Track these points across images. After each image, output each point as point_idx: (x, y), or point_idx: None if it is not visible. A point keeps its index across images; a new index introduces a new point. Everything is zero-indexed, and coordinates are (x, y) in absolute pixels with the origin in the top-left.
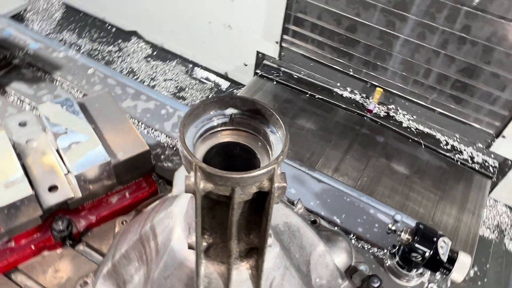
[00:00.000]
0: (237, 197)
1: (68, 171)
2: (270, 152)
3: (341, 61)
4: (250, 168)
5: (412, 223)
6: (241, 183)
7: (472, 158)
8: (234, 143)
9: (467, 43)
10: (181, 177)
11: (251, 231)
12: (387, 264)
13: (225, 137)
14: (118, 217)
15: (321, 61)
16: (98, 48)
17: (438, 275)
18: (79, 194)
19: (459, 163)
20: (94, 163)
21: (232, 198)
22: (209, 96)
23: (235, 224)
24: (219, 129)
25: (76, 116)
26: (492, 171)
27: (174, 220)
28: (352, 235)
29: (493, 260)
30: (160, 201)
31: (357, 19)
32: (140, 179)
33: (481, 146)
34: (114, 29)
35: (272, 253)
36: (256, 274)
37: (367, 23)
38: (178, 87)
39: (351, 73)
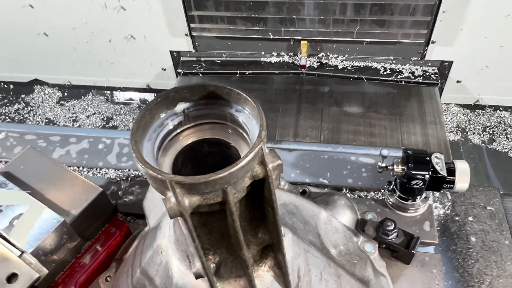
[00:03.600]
0: (232, 198)
1: (22, 251)
2: (245, 134)
3: (257, 28)
4: (229, 161)
5: (398, 153)
6: (232, 180)
7: (412, 73)
8: (199, 142)
9: None
10: (152, 206)
11: (257, 230)
12: (390, 203)
13: (188, 138)
14: (100, 276)
15: (238, 35)
16: (3, 112)
17: (437, 194)
18: (45, 271)
19: (403, 82)
20: (48, 230)
21: (227, 202)
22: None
23: (239, 229)
24: (177, 131)
25: (5, 189)
26: (434, 78)
27: (166, 254)
28: (345, 190)
29: (467, 159)
30: (139, 240)
31: None
32: (106, 225)
33: (417, 58)
34: (11, 86)
35: (288, 242)
36: (281, 272)
37: None
38: (105, 119)
39: (271, 37)
